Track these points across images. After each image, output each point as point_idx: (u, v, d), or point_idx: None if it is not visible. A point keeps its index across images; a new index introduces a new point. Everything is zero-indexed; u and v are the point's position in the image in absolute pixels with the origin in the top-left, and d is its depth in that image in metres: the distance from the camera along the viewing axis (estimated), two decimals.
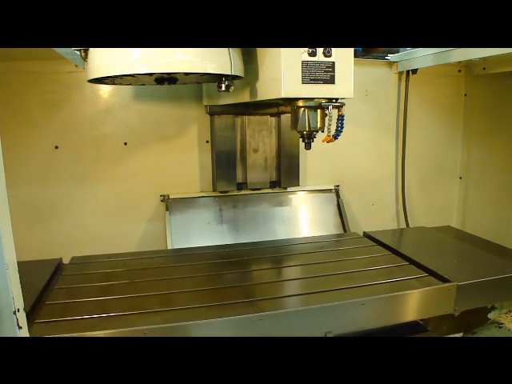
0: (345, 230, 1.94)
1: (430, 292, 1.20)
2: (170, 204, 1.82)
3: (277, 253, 1.55)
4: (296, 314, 1.08)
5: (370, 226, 2.12)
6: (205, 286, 1.26)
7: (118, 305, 1.13)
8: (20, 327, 0.65)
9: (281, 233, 1.87)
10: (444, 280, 1.23)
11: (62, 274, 1.35)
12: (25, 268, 1.36)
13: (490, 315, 1.35)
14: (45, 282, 1.26)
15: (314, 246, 1.62)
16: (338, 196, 2.02)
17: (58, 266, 1.42)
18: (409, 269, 1.34)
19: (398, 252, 1.48)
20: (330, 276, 1.30)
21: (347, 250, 1.56)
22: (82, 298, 1.17)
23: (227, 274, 1.36)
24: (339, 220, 1.97)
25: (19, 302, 0.65)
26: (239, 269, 1.40)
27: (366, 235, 1.71)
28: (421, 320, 1.31)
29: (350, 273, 1.32)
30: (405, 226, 2.21)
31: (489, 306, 1.32)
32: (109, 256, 1.52)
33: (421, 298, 1.20)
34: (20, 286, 0.66)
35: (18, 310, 0.64)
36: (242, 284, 1.28)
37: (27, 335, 0.68)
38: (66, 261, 1.50)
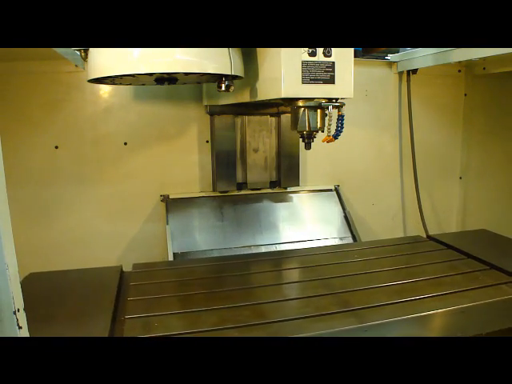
0: (350, 231, 1.92)
1: None
2: (169, 204, 1.81)
3: (352, 258, 1.47)
4: (400, 324, 1.01)
5: (371, 226, 2.12)
6: (292, 294, 1.18)
7: (208, 318, 1.04)
8: (20, 327, 0.64)
9: (282, 233, 1.87)
10: None
11: (130, 284, 1.26)
12: (87, 277, 1.34)
13: None
14: (115, 293, 1.20)
15: (385, 251, 1.55)
16: (339, 196, 2.02)
17: (121, 275, 1.35)
18: (493, 274, 1.28)
19: (473, 256, 1.41)
20: (417, 282, 1.24)
21: (421, 255, 1.48)
22: (163, 311, 1.08)
23: (312, 281, 1.28)
24: (340, 220, 1.96)
25: (19, 302, 0.65)
26: (323, 275, 1.31)
27: (432, 238, 1.65)
28: None
29: (436, 278, 1.26)
30: (406, 227, 2.21)
31: None
32: (172, 263, 1.45)
33: None
34: (20, 285, 0.66)
35: (18, 310, 0.64)
36: (334, 292, 1.19)
37: (27, 335, 0.68)
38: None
